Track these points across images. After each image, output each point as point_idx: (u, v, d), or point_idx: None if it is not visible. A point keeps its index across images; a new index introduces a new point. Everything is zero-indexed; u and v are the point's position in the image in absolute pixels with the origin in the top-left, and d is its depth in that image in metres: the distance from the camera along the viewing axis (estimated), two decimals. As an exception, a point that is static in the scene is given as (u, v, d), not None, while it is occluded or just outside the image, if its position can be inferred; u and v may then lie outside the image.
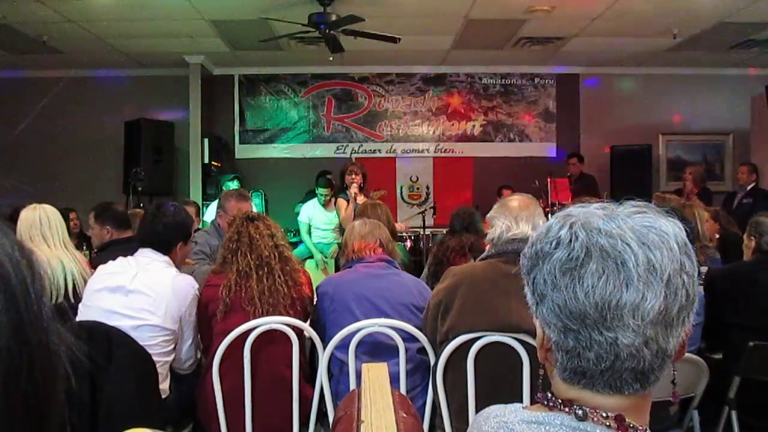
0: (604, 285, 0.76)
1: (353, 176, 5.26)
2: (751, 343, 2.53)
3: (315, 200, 6.19)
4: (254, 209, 4.13)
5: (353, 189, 5.19)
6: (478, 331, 2.11)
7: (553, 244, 0.81)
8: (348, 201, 5.27)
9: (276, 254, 2.56)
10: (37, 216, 3.05)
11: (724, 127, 8.04)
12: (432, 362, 2.32)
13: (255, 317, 2.44)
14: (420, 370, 2.51)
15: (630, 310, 0.75)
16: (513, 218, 2.18)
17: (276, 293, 2.48)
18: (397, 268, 2.73)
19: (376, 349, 2.50)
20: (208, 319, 2.56)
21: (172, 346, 2.51)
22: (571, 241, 0.79)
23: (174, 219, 2.63)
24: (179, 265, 2.76)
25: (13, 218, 3.05)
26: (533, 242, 0.85)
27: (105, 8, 5.58)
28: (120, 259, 2.60)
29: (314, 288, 2.73)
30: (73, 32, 6.17)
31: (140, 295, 2.43)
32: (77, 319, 2.42)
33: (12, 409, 0.40)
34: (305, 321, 2.59)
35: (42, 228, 3.03)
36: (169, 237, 2.60)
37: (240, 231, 2.61)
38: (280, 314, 2.47)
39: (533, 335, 2.01)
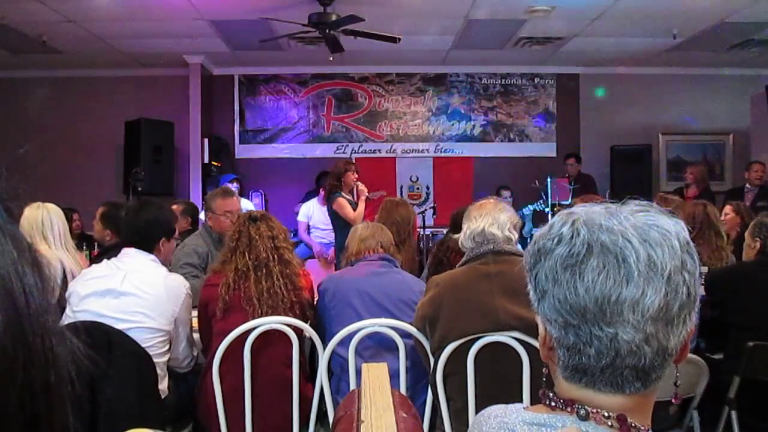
0: (604, 280, 0.76)
1: (356, 174, 5.26)
2: (751, 343, 2.53)
3: (315, 200, 6.18)
4: (242, 205, 4.10)
5: (361, 186, 5.17)
6: (472, 335, 2.12)
7: (555, 240, 0.81)
8: (347, 199, 5.21)
9: (275, 256, 2.55)
10: (40, 215, 3.05)
11: (724, 127, 8.02)
12: (429, 367, 2.31)
13: (254, 317, 2.44)
14: (421, 367, 2.50)
15: (630, 305, 0.76)
16: (472, 219, 2.28)
17: (275, 296, 2.48)
18: (397, 267, 2.75)
19: (376, 347, 2.50)
20: (208, 318, 2.56)
21: (167, 347, 2.49)
22: (572, 237, 0.80)
23: (155, 216, 2.61)
24: (166, 262, 2.75)
25: None
26: (536, 240, 0.85)
27: (105, 8, 5.57)
28: (105, 262, 2.57)
29: (316, 288, 2.73)
30: (73, 32, 6.16)
31: (133, 297, 2.40)
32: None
33: (5, 412, 0.39)
34: (305, 322, 2.59)
35: (44, 228, 3.03)
36: (150, 234, 2.57)
37: (240, 230, 2.61)
38: (280, 316, 2.47)
39: (524, 331, 2.02)
